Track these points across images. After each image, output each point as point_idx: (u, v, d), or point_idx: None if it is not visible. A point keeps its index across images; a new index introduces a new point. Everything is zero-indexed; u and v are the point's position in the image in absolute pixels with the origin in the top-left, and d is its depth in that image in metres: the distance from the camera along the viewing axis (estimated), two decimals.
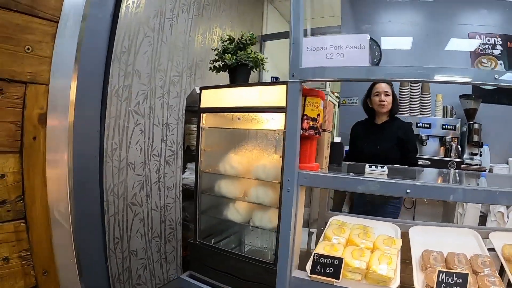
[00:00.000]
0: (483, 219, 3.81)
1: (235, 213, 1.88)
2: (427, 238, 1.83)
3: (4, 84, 1.03)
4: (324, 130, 1.51)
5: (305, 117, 1.33)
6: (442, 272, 1.38)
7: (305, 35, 4.38)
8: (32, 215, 1.17)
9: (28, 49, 1.13)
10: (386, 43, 4.70)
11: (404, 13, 4.71)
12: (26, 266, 1.16)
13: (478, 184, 2.04)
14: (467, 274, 1.37)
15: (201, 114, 1.88)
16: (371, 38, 4.55)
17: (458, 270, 1.44)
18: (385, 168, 1.51)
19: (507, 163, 4.23)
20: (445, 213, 3.74)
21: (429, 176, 2.32)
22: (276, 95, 1.40)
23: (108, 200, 2.58)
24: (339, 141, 1.81)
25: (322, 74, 1.27)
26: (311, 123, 1.34)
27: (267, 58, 1.90)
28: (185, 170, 3.25)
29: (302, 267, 1.45)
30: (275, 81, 1.51)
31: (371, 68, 1.26)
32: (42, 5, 1.11)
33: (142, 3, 2.80)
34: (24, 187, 1.15)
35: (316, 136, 1.41)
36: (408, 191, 1.20)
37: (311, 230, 2.15)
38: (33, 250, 1.18)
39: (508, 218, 3.65)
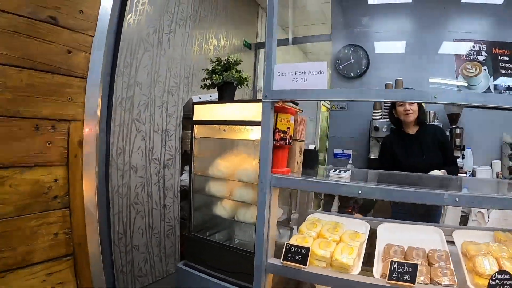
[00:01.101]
0: (464, 219, 3.96)
1: (222, 210, 2.18)
2: (394, 234, 1.99)
3: (55, 122, 1.54)
4: (295, 140, 1.77)
5: (277, 130, 1.59)
6: (394, 262, 1.51)
7: (294, 43, 4.62)
8: (73, 206, 1.65)
9: (69, 99, 1.60)
10: (377, 49, 4.83)
11: (392, 21, 4.83)
12: (68, 239, 1.64)
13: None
14: (417, 264, 1.50)
15: (194, 125, 2.18)
16: (359, 46, 4.79)
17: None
18: (348, 172, 1.76)
19: (490, 166, 4.40)
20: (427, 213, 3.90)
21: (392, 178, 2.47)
22: (255, 111, 1.67)
23: (113, 199, 2.83)
24: (313, 148, 2.06)
25: (289, 95, 1.54)
26: (282, 135, 1.60)
27: (250, 77, 2.17)
28: (183, 172, 3.47)
29: (278, 256, 1.67)
30: (254, 99, 1.78)
31: (328, 90, 1.53)
32: (75, 68, 1.59)
33: (142, 20, 3.03)
34: (69, 187, 1.63)
35: (287, 146, 1.66)
36: (360, 192, 1.46)
37: (292, 226, 2.40)
38: (73, 229, 1.66)
39: (488, 218, 3.78)
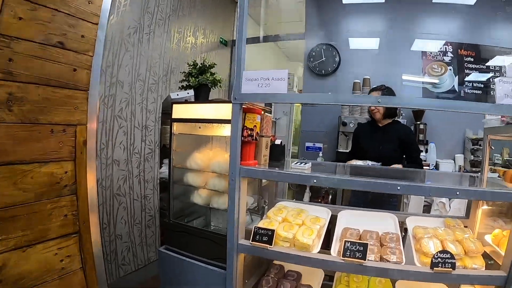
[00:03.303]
0: (427, 209, 4.18)
1: (198, 198, 2.42)
2: (353, 220, 2.20)
3: (65, 127, 1.87)
4: (262, 136, 2.00)
5: (244, 127, 1.82)
6: (348, 241, 1.69)
7: (266, 41, 4.73)
8: (79, 192, 1.98)
9: (76, 107, 1.93)
10: (349, 47, 4.95)
11: (365, 20, 4.94)
12: (75, 219, 1.96)
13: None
14: (367, 243, 1.68)
15: (172, 123, 2.40)
16: (331, 45, 4.98)
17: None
18: (308, 164, 2.00)
19: (453, 159, 4.65)
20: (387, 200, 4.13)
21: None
22: (227, 110, 1.88)
23: (98, 191, 3.01)
24: (280, 143, 2.28)
25: (255, 98, 1.77)
26: (249, 132, 1.83)
27: (223, 79, 2.40)
28: (162, 165, 3.59)
29: (249, 239, 1.86)
30: (226, 100, 1.99)
31: (287, 94, 1.76)
32: (80, 82, 1.91)
33: (124, 21, 3.19)
34: (76, 178, 1.95)
35: (254, 141, 1.90)
36: (315, 181, 1.70)
37: (262, 214, 2.63)
38: (79, 211, 1.98)
39: (450, 207, 4.01)
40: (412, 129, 4.58)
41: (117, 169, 3.26)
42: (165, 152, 3.56)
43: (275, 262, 2.40)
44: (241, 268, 1.96)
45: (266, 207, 2.58)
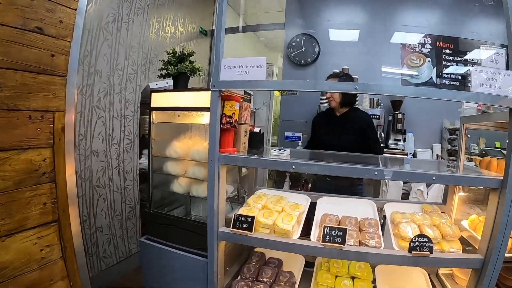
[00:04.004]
0: (406, 197, 4.27)
1: (178, 186, 2.40)
2: (332, 206, 2.23)
3: (44, 113, 1.84)
4: (241, 123, 2.00)
5: (223, 115, 1.82)
6: (327, 226, 1.72)
7: (245, 31, 4.74)
8: (58, 180, 1.96)
9: (54, 93, 1.90)
10: (329, 38, 5.00)
11: (345, 11, 5.03)
12: (54, 207, 1.94)
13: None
14: (346, 228, 1.71)
15: (151, 111, 2.38)
16: (311, 36, 5.00)
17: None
18: (287, 151, 2.01)
19: (431, 149, 4.77)
20: (369, 190, 4.16)
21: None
22: (206, 98, 1.87)
23: (77, 183, 2.96)
24: (259, 130, 2.30)
25: (233, 85, 1.77)
26: (228, 119, 1.83)
27: (202, 67, 2.38)
28: (141, 156, 3.62)
29: (229, 225, 1.88)
30: (205, 88, 1.99)
31: (265, 81, 1.75)
32: (58, 68, 1.89)
33: (102, 9, 3.14)
34: (54, 165, 1.93)
35: (233, 129, 1.90)
36: (293, 167, 1.72)
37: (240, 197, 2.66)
38: (58, 199, 1.96)
39: (427, 195, 4.11)
40: (390, 118, 4.70)
41: (96, 160, 3.22)
42: (144, 142, 3.61)
43: (256, 249, 2.43)
44: (222, 255, 1.97)
45: (246, 196, 2.59)
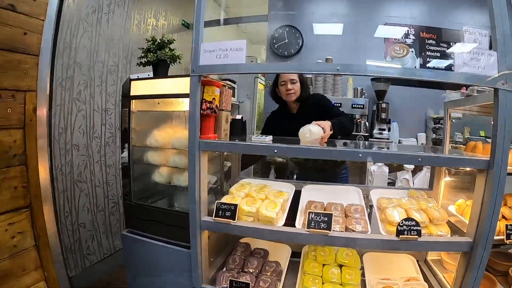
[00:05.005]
0: (392, 185, 4.22)
1: (159, 176, 2.36)
2: (317, 194, 2.21)
3: (14, 92, 1.79)
4: (222, 110, 1.95)
5: (203, 100, 1.77)
6: (312, 212, 1.71)
7: (228, 23, 4.69)
8: (29, 162, 1.90)
9: (25, 72, 1.85)
10: (312, 30, 4.99)
11: (328, 4, 5.05)
12: (26, 192, 1.89)
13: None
14: (331, 213, 1.71)
15: (131, 100, 2.32)
16: (294, 27, 4.99)
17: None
18: (269, 137, 1.94)
19: (416, 138, 4.80)
20: (355, 179, 4.21)
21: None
22: (186, 85, 1.83)
23: (58, 178, 2.88)
24: (241, 118, 2.26)
25: (213, 69, 1.72)
26: (208, 105, 1.78)
27: (182, 55, 2.33)
28: (124, 149, 3.49)
29: (211, 215, 1.85)
30: (185, 74, 1.93)
31: (245, 65, 1.71)
32: (30, 47, 1.85)
33: (82, 0, 3.06)
34: (25, 147, 1.88)
35: (213, 115, 1.85)
36: (275, 151, 1.68)
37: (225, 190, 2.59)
38: (30, 183, 1.90)
39: (413, 184, 4.07)
40: (375, 108, 4.70)
41: (77, 154, 3.13)
42: (126, 135, 3.46)
43: (242, 240, 2.40)
44: (205, 246, 1.94)
45: (230, 186, 2.54)
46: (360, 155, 1.62)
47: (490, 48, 1.59)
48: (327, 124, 2.26)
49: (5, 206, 1.77)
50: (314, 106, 2.80)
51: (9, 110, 1.78)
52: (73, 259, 3.15)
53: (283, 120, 2.85)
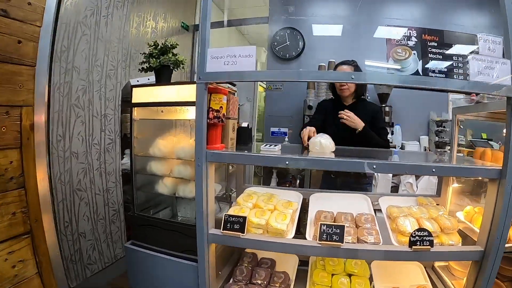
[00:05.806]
0: (395, 189, 4.25)
1: (164, 187, 2.28)
2: (325, 202, 2.17)
3: (8, 108, 1.65)
4: (228, 118, 1.89)
5: (210, 109, 1.70)
6: (323, 224, 1.67)
7: (230, 25, 4.67)
8: (28, 185, 1.77)
9: (20, 86, 1.72)
10: (313, 32, 4.95)
11: (329, 5, 4.98)
12: (25, 217, 1.76)
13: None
14: (344, 225, 1.67)
15: (133, 108, 2.24)
16: (295, 29, 4.93)
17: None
18: (278, 146, 1.91)
19: (418, 141, 4.75)
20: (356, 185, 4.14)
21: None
22: (191, 92, 1.77)
23: (56, 187, 2.80)
24: (247, 125, 2.19)
25: (221, 77, 1.65)
26: (215, 113, 1.71)
27: (186, 59, 2.26)
28: (124, 156, 3.45)
29: (219, 227, 1.79)
30: (190, 81, 1.87)
31: (256, 72, 1.66)
32: (26, 57, 1.70)
33: (80, 2, 2.96)
34: (23, 168, 1.75)
35: (220, 124, 1.78)
36: (287, 162, 1.61)
37: (231, 201, 2.52)
38: (29, 207, 1.78)
39: (417, 187, 4.11)
40: None
41: (76, 162, 3.05)
42: (126, 142, 3.42)
43: (248, 250, 2.34)
44: (213, 259, 1.88)
45: (234, 194, 2.51)
46: (375, 167, 1.56)
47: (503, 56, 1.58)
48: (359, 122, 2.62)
49: (4, 235, 1.65)
50: (367, 112, 2.87)
51: (4, 129, 1.65)
52: (73, 269, 3.06)
53: (334, 109, 2.90)
